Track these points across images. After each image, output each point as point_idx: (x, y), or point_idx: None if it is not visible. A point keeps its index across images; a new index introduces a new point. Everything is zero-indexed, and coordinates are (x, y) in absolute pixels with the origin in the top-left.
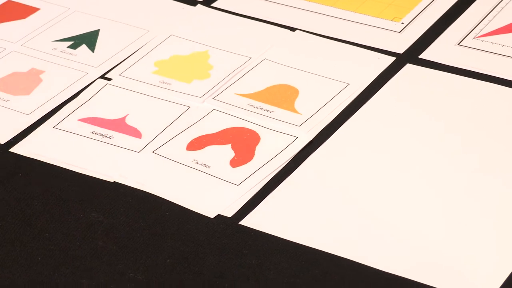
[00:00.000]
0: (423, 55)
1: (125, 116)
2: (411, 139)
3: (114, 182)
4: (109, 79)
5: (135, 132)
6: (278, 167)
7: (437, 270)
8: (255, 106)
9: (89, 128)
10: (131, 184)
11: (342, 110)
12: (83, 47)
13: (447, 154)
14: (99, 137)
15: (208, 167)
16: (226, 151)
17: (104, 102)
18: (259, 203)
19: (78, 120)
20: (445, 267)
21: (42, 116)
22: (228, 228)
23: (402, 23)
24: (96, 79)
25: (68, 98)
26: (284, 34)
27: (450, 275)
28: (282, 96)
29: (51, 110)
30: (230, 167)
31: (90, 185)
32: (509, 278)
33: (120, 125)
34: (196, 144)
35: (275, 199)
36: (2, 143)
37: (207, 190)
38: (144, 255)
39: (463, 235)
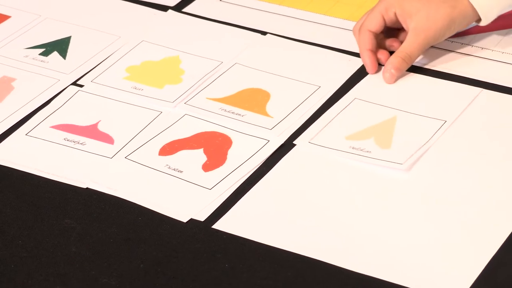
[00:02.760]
0: None
1: (97, 123)
2: None
3: (87, 188)
4: (81, 86)
5: (107, 138)
6: (250, 171)
7: (409, 270)
8: (227, 110)
9: (61, 134)
10: (103, 190)
11: (314, 113)
12: (55, 54)
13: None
14: (71, 144)
15: (181, 171)
16: (198, 156)
17: (76, 109)
18: (232, 206)
19: (50, 127)
20: (416, 267)
21: (14, 124)
22: (200, 232)
23: None
24: (68, 86)
25: (40, 105)
26: (255, 38)
27: (421, 275)
28: (253, 99)
29: (23, 118)
30: (202, 171)
31: (63, 191)
32: (478, 279)
33: (92, 132)
34: (169, 149)
35: (247, 203)
36: None
37: (180, 194)
38: (117, 261)
39: (434, 237)
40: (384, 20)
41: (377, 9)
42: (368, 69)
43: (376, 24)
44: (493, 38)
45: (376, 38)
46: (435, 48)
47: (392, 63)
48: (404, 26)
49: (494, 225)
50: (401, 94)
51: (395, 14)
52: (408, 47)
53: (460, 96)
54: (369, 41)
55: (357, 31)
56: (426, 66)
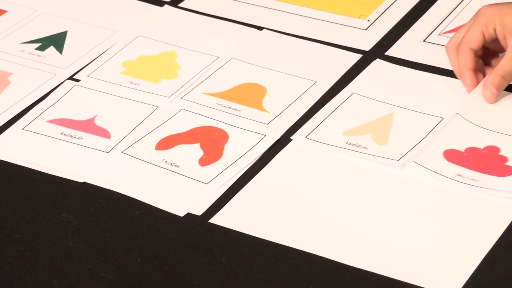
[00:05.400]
0: (389, 52)
1: (94, 117)
2: None
3: (84, 182)
4: (78, 80)
5: (104, 133)
6: (247, 165)
7: (404, 264)
8: (223, 105)
9: (58, 129)
10: (100, 184)
11: (310, 108)
12: (51, 48)
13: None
14: (68, 138)
15: (177, 166)
16: (195, 150)
17: (73, 103)
18: (228, 201)
19: (47, 121)
20: (412, 262)
21: (11, 118)
22: (197, 227)
23: (368, 20)
24: (65, 81)
25: (37, 100)
26: (251, 33)
27: (417, 270)
28: (250, 94)
29: (20, 112)
30: (199, 166)
31: (60, 185)
32: (474, 273)
33: (89, 126)
34: (165, 143)
35: (244, 197)
36: None
37: (177, 189)
38: (114, 254)
39: (430, 232)
40: (484, 37)
41: (477, 26)
42: (469, 90)
43: (476, 41)
44: None
45: (476, 56)
46: (433, 44)
47: (492, 81)
48: (502, 43)
49: (490, 220)
50: (399, 90)
51: (494, 30)
52: (507, 64)
53: (458, 93)
54: (470, 60)
55: (454, 48)
56: (425, 62)
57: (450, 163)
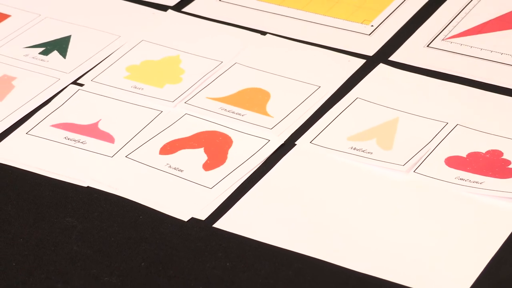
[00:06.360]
0: (393, 57)
1: (97, 121)
2: None
3: (88, 187)
4: (81, 85)
5: (108, 137)
6: (251, 170)
7: (409, 269)
8: (227, 109)
9: (62, 133)
10: (104, 189)
11: (314, 113)
12: (55, 53)
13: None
14: (72, 143)
15: (181, 171)
16: (199, 155)
17: (77, 108)
18: (232, 206)
19: (51, 126)
20: (417, 266)
21: (15, 122)
22: (202, 231)
23: (372, 25)
24: (68, 85)
25: (41, 104)
26: (254, 38)
27: (422, 274)
28: (253, 99)
29: (23, 116)
30: (203, 170)
31: (64, 190)
32: (480, 277)
33: (93, 130)
34: (169, 148)
35: (248, 202)
36: None
37: (181, 193)
38: (118, 259)
39: (435, 236)
40: None
41: None
42: None
43: None
44: (493, 39)
45: None
46: (437, 49)
47: None
48: None
49: (496, 223)
50: (403, 95)
51: None
52: None
53: (462, 98)
54: None
55: None
56: (428, 67)
57: (451, 169)
